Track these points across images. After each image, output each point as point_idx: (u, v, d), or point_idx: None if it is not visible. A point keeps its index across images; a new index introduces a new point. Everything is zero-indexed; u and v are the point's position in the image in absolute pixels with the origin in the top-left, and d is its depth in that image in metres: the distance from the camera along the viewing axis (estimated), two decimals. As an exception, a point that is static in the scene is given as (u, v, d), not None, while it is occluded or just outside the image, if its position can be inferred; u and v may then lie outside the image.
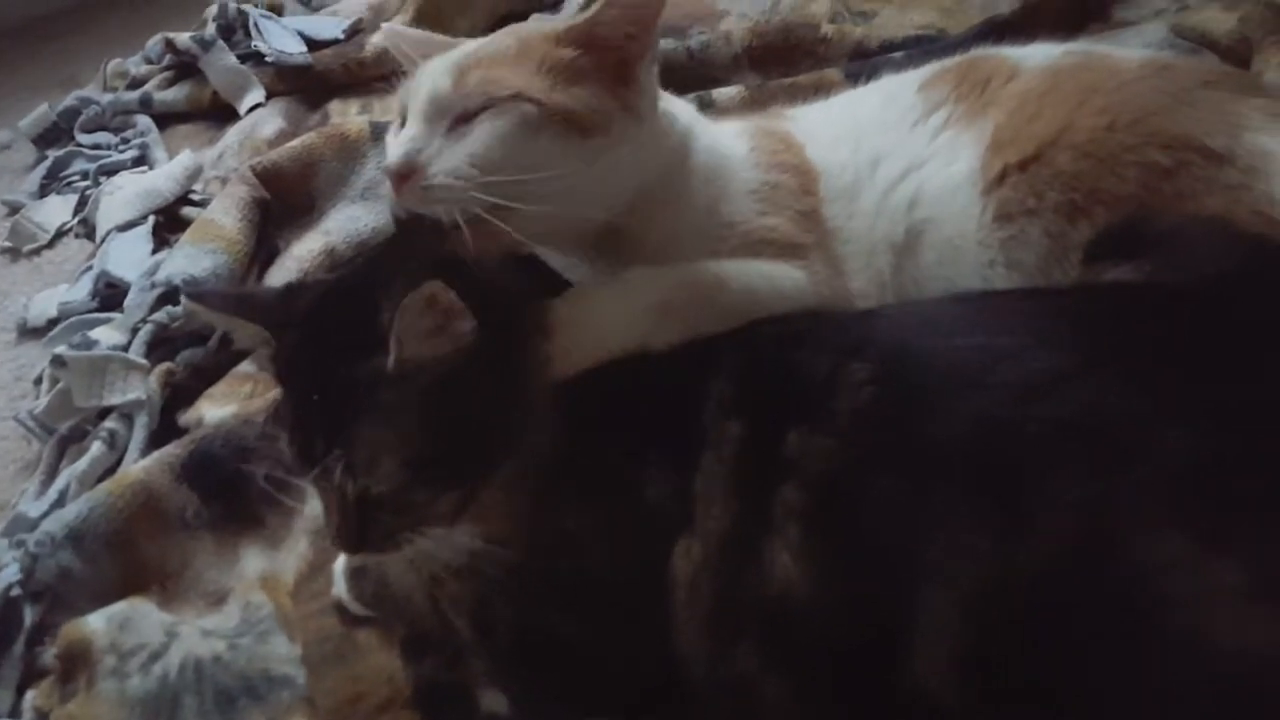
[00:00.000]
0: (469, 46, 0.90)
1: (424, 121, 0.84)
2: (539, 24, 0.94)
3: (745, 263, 0.91)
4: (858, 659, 0.63)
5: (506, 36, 0.90)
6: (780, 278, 0.90)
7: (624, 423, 0.77)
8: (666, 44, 1.65)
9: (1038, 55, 0.99)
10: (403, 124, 0.87)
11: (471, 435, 0.74)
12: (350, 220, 1.45)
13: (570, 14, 1.89)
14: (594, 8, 0.85)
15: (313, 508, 1.09)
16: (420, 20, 1.86)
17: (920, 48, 1.50)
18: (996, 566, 0.58)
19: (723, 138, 0.99)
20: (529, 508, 0.77)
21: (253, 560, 1.08)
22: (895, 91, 1.02)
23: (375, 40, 1.88)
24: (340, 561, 1.00)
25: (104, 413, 1.26)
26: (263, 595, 1.02)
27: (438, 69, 0.86)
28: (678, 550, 0.71)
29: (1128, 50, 1.01)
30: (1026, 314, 0.72)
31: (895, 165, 0.96)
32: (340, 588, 0.98)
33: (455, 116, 0.83)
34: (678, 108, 0.98)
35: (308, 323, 0.78)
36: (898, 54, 1.52)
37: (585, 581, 0.76)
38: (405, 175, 0.81)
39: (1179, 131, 0.85)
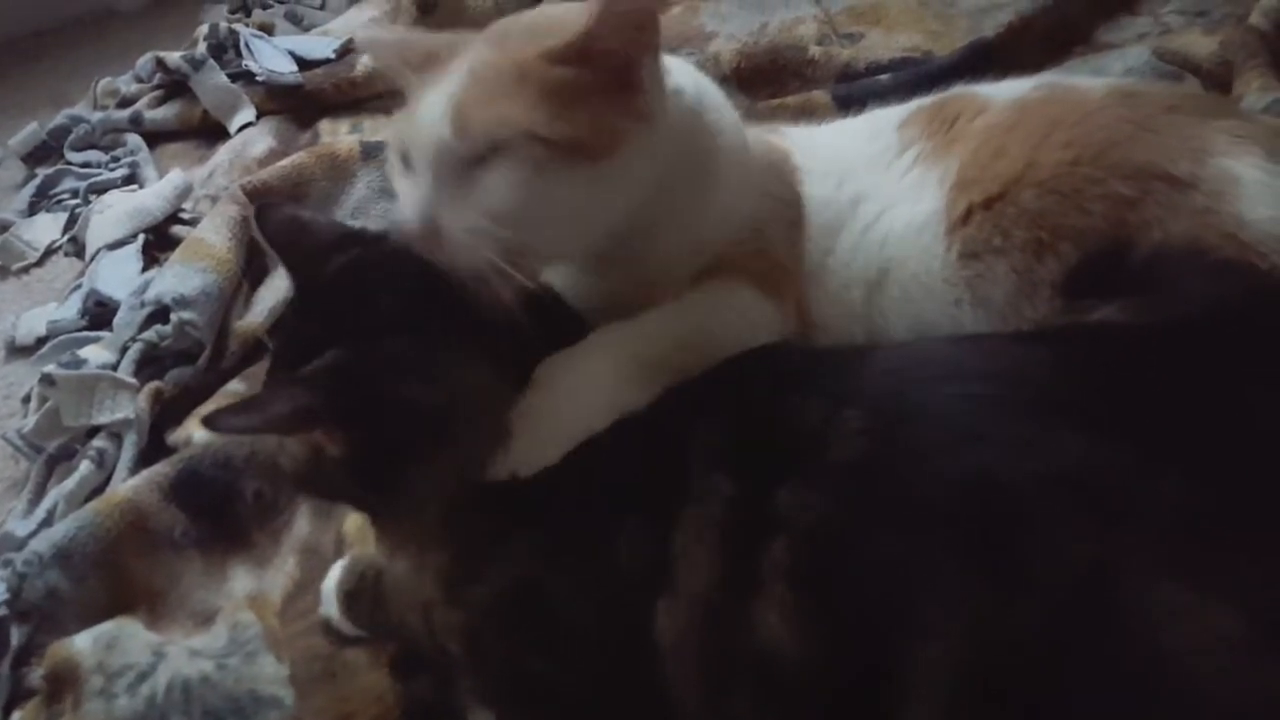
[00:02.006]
0: (460, 74, 0.83)
1: (432, 174, 0.81)
2: (534, 25, 0.87)
3: (718, 297, 0.89)
4: (851, 715, 0.63)
5: (499, 56, 0.84)
6: (754, 313, 0.89)
7: (600, 476, 0.76)
8: (655, 65, 1.66)
9: (1008, 90, 0.99)
10: (404, 161, 0.85)
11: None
12: (340, 239, 1.45)
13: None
14: (587, 18, 0.79)
15: (300, 527, 1.10)
16: (411, 40, 1.87)
17: (907, 70, 1.52)
18: (991, 624, 0.57)
19: (728, 114, 0.97)
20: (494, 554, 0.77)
21: (241, 580, 1.08)
22: (879, 128, 1.02)
23: (366, 60, 1.89)
24: (329, 580, 1.00)
25: (92, 431, 1.26)
26: (250, 615, 1.02)
27: (435, 112, 0.81)
28: (660, 609, 0.70)
29: (1095, 80, 1.01)
30: (1019, 361, 0.71)
31: (873, 205, 0.97)
32: (330, 607, 0.98)
33: (463, 162, 0.80)
34: (683, 76, 0.93)
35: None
36: (884, 76, 1.53)
37: (564, 634, 0.74)
38: (424, 234, 0.80)
39: (1142, 161, 0.85)
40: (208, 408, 1.26)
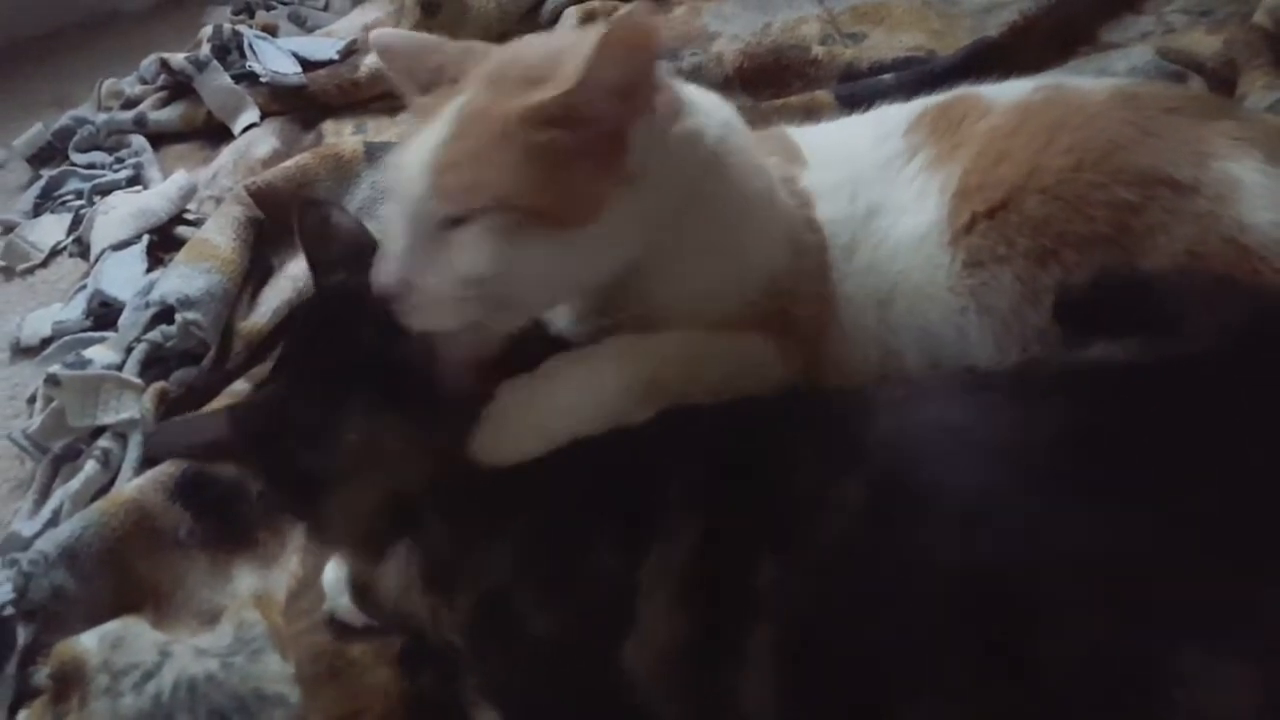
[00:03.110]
0: (447, 123, 0.79)
1: (409, 231, 0.79)
2: (532, 67, 0.81)
3: (737, 342, 0.88)
4: None
5: (487, 104, 0.79)
6: (772, 365, 0.87)
7: (582, 488, 0.75)
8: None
9: (1011, 92, 0.98)
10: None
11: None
12: (345, 240, 1.45)
13: (565, 32, 1.91)
14: (574, 73, 0.74)
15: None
16: (414, 41, 1.87)
17: (910, 70, 1.52)
18: (996, 708, 0.57)
19: (754, 159, 0.93)
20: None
21: (245, 579, 1.08)
22: (886, 131, 1.00)
23: (370, 61, 1.89)
24: (328, 573, 1.00)
25: (98, 432, 1.26)
26: (255, 614, 1.02)
27: (416, 166, 0.79)
28: (628, 646, 0.68)
29: (1097, 81, 1.01)
30: (1026, 429, 0.67)
31: (886, 219, 0.95)
32: (338, 599, 0.98)
33: (438, 222, 0.78)
34: (709, 117, 0.89)
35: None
36: (888, 76, 1.53)
37: (531, 647, 0.74)
38: (397, 295, 0.79)
39: (1145, 166, 0.85)
40: (213, 407, 1.27)
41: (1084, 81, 1.01)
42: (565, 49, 0.81)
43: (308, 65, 1.95)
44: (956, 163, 0.93)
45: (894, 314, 0.93)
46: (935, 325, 0.91)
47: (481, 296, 0.78)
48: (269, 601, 1.04)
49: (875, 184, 0.97)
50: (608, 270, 0.84)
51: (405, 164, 0.80)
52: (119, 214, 1.65)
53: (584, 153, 0.77)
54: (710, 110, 0.91)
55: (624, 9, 1.87)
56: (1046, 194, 0.86)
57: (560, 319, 0.92)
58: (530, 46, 0.86)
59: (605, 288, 0.87)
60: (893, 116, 1.03)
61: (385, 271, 0.79)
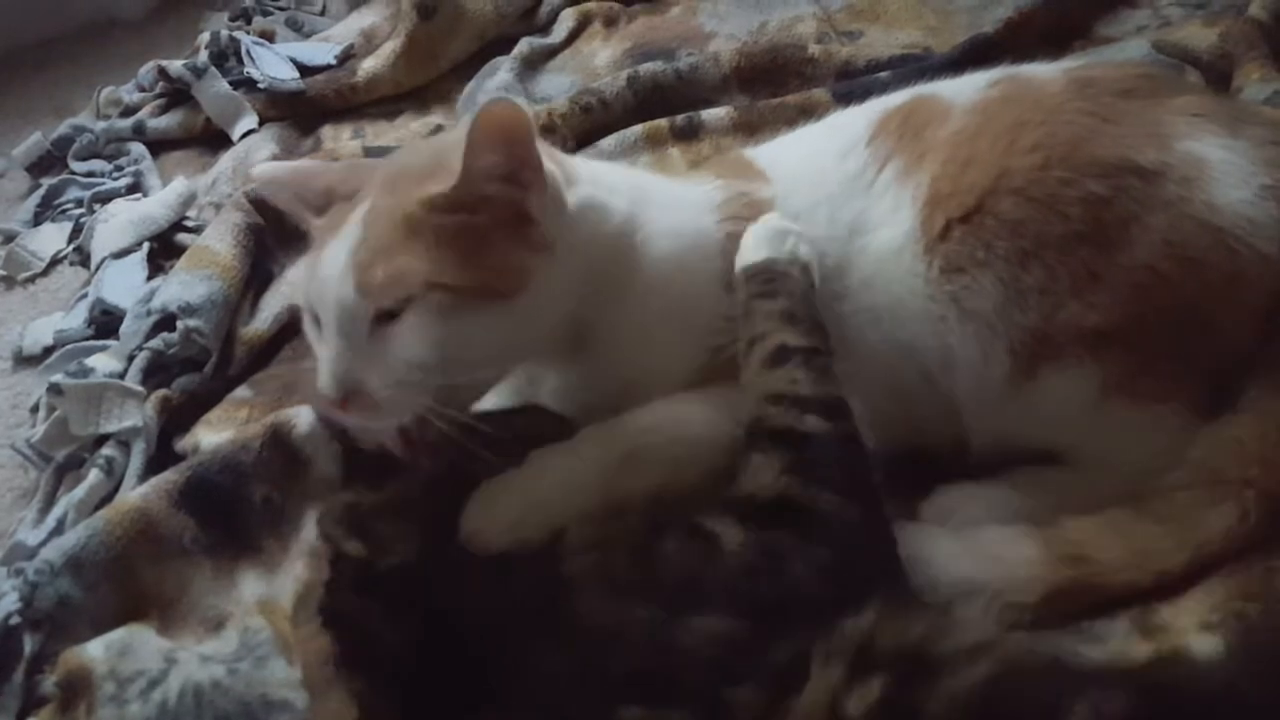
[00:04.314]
0: (355, 227, 0.82)
1: (341, 336, 0.81)
2: (425, 166, 0.86)
3: (696, 402, 0.89)
4: None
5: (389, 204, 0.83)
6: (715, 423, 0.87)
7: None
8: (655, 65, 1.67)
9: (967, 89, 0.99)
10: (315, 322, 0.85)
11: None
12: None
13: (560, 38, 1.91)
14: (459, 168, 0.79)
15: (309, 531, 1.10)
16: (412, 46, 1.88)
17: (907, 67, 1.52)
18: None
19: (686, 215, 0.95)
20: None
21: (250, 585, 1.08)
22: (849, 144, 1.00)
23: (367, 65, 1.89)
24: None
25: (101, 440, 1.26)
26: (261, 620, 1.02)
27: (334, 270, 0.81)
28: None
29: (1050, 68, 1.01)
30: None
31: (868, 234, 0.96)
32: None
33: (371, 320, 0.80)
34: (615, 196, 0.93)
35: None
36: (884, 73, 1.54)
37: None
38: (346, 399, 0.80)
39: (1111, 156, 0.86)
40: (215, 414, 1.27)
41: (1037, 70, 1.01)
42: (449, 146, 0.84)
43: (305, 71, 1.95)
44: (925, 171, 0.93)
45: (879, 331, 0.94)
46: (918, 340, 0.92)
47: (427, 382, 0.79)
48: (273, 607, 1.04)
49: (849, 200, 0.97)
50: (545, 337, 0.87)
51: (323, 276, 0.81)
52: (119, 222, 1.65)
53: (494, 228, 0.81)
54: (621, 188, 0.94)
55: (618, 8, 1.90)
56: (1019, 195, 0.87)
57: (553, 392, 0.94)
58: (417, 151, 0.90)
59: (580, 370, 0.90)
60: (850, 126, 1.03)
61: (326, 385, 0.80)
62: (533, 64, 1.87)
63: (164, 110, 1.99)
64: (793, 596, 0.72)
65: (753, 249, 0.91)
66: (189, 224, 1.67)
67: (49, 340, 1.51)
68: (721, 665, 0.69)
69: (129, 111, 2.02)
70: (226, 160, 1.81)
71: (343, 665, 0.76)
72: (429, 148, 0.88)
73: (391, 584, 0.77)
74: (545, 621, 0.73)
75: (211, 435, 1.22)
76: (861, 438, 0.81)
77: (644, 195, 0.96)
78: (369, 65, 1.89)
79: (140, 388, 1.28)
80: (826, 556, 0.73)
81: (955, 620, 0.72)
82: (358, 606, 0.77)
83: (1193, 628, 0.78)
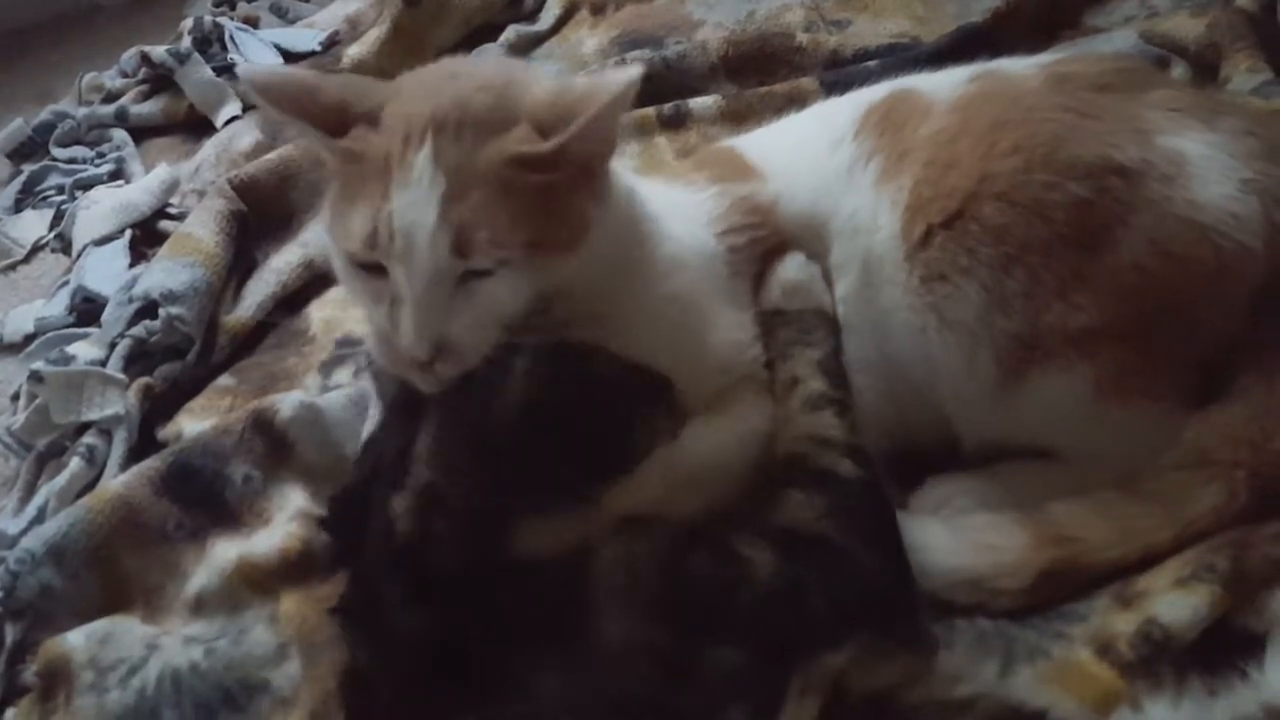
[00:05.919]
0: (434, 181, 0.79)
1: (428, 292, 0.79)
2: (493, 111, 0.83)
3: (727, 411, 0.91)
4: None
5: (471, 156, 0.81)
6: (746, 433, 0.90)
7: None
8: (643, 54, 1.66)
9: (945, 87, 0.98)
10: (364, 267, 0.83)
11: None
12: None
13: (548, 26, 1.90)
14: (566, 131, 0.79)
15: (295, 499, 1.08)
16: (397, 33, 1.86)
17: (895, 56, 1.52)
18: None
19: (682, 229, 0.96)
20: None
21: (227, 550, 1.05)
22: (839, 135, 1.00)
23: (352, 52, 1.88)
24: None
25: (82, 428, 1.25)
26: (238, 581, 1.02)
27: (422, 228, 0.78)
28: None
29: (1027, 63, 1.00)
30: None
31: (863, 234, 0.96)
32: None
33: (462, 277, 0.80)
34: (641, 192, 0.96)
35: None
36: (873, 62, 1.53)
37: None
38: (430, 357, 0.80)
39: (1092, 157, 0.85)
40: (198, 403, 1.26)
41: (1016, 65, 1.00)
42: (510, 86, 0.84)
43: (289, 57, 1.94)
44: (905, 174, 0.93)
45: (876, 341, 0.94)
46: (902, 352, 0.92)
47: (505, 330, 0.81)
48: (249, 563, 1.02)
49: (846, 195, 0.97)
50: (586, 282, 0.87)
51: (404, 229, 0.78)
52: (101, 209, 1.64)
53: (571, 185, 0.82)
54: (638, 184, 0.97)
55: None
56: (1002, 200, 0.86)
57: None
58: (461, 81, 0.86)
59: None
60: (838, 116, 1.03)
61: (416, 347, 0.79)
62: (520, 51, 1.86)
63: (147, 96, 1.98)
64: (805, 629, 0.75)
65: (790, 293, 0.95)
66: (172, 211, 1.66)
67: (30, 328, 1.50)
68: (724, 693, 0.72)
69: (111, 97, 2.01)
70: (209, 147, 1.79)
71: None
72: (479, 84, 0.84)
73: (422, 573, 0.77)
74: (560, 637, 0.74)
75: (194, 424, 1.22)
76: (883, 485, 0.85)
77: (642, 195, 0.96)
78: (354, 52, 1.88)
79: (122, 375, 1.27)
80: (847, 595, 0.76)
81: (934, 672, 0.75)
82: (384, 577, 0.78)
83: (1166, 587, 0.79)
